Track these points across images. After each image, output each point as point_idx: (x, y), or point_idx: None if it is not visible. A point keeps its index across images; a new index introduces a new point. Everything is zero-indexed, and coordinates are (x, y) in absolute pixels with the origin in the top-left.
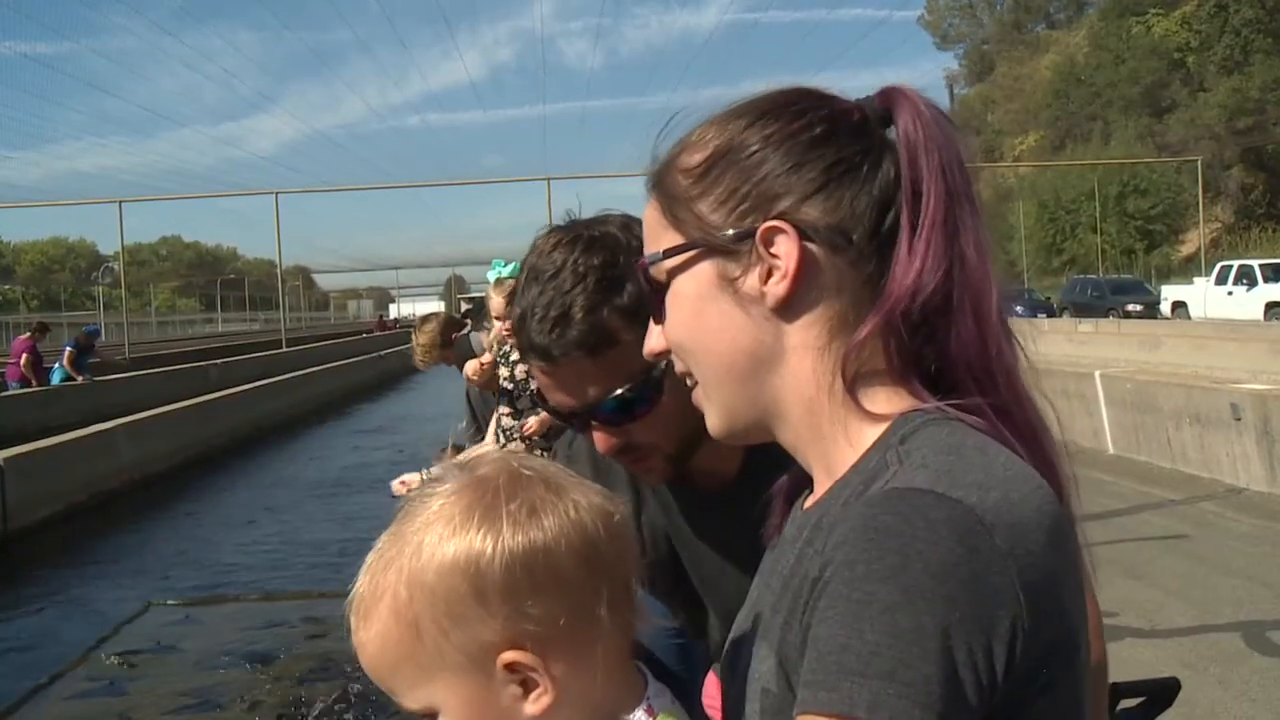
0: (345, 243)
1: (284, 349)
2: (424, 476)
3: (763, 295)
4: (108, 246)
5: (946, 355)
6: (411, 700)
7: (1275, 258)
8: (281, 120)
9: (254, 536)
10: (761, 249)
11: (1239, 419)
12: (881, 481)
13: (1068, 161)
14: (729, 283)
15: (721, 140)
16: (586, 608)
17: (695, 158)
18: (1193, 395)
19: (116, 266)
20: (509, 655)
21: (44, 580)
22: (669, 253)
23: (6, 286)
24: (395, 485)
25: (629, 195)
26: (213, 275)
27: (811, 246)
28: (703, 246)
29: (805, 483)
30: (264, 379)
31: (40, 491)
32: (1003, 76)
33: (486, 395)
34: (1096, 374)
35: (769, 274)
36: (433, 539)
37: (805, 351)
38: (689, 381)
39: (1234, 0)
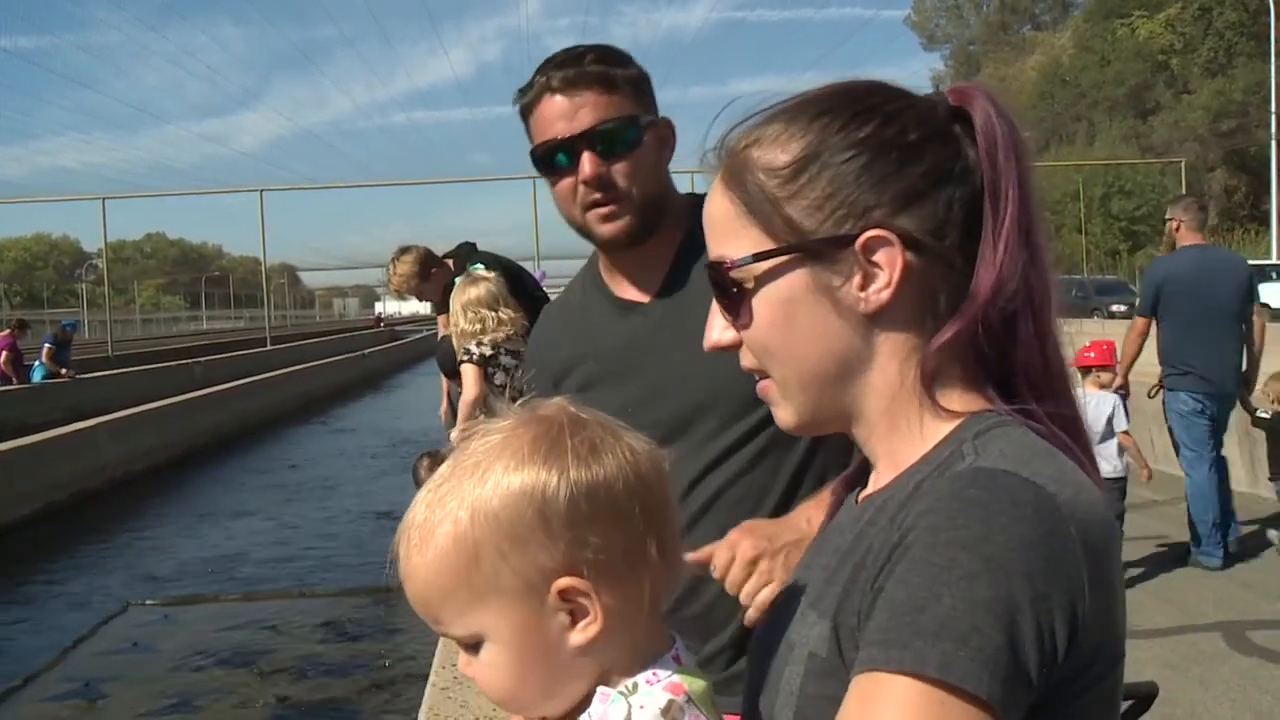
0: (331, 240)
1: (269, 347)
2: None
3: (859, 301)
4: (91, 243)
5: (1012, 358)
6: (458, 627)
7: (1257, 259)
8: (266, 117)
9: (235, 536)
10: (861, 257)
11: None
12: (960, 466)
13: (1052, 162)
14: (825, 288)
15: (810, 141)
16: (639, 544)
17: (781, 157)
18: None
19: (100, 263)
20: (566, 580)
21: (22, 580)
22: (760, 256)
23: None
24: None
25: None
26: (197, 273)
27: (910, 254)
28: (798, 252)
29: (859, 479)
30: (249, 377)
31: (20, 490)
32: (989, 77)
33: None
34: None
35: (866, 281)
36: (499, 468)
37: (894, 355)
38: (756, 376)
39: (1217, 3)
